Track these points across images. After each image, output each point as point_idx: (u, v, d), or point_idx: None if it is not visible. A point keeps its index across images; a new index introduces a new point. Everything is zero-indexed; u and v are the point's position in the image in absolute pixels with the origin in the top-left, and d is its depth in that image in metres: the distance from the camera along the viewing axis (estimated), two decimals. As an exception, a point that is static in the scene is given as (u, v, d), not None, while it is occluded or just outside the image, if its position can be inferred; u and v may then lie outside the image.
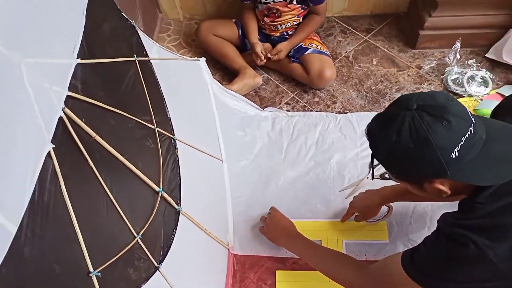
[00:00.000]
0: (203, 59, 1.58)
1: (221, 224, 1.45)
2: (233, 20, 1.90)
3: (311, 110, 1.74)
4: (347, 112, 1.70)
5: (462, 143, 0.77)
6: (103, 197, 0.91)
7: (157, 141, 1.17)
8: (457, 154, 0.77)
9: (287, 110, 1.75)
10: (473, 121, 0.79)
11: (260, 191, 1.55)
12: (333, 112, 1.72)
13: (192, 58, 1.58)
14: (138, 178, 1.04)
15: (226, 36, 1.88)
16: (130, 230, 0.94)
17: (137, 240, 0.95)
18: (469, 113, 0.81)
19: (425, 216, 1.42)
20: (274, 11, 1.75)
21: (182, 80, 1.50)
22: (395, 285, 0.96)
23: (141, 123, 1.12)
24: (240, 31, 1.88)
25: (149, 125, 1.16)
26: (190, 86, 1.54)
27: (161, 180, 1.12)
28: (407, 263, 0.91)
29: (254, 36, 1.81)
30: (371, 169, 0.99)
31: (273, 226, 1.39)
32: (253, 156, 1.64)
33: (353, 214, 1.42)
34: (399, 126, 0.80)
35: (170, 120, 1.29)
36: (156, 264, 0.99)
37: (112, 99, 0.98)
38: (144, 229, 0.98)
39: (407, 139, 0.79)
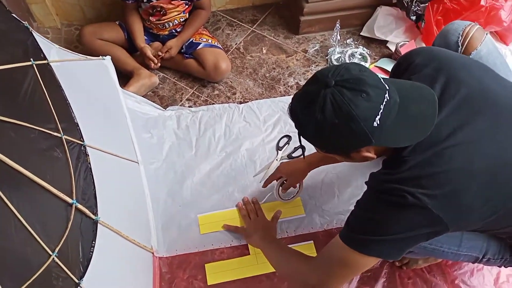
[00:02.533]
0: (109, 57, 1.51)
1: (143, 228, 1.40)
2: (117, 22, 1.83)
3: (213, 103, 1.75)
4: (248, 101, 1.75)
5: (381, 111, 0.82)
6: (10, 217, 0.83)
7: (65, 150, 1.09)
8: (378, 123, 0.82)
9: (189, 106, 1.75)
10: (387, 87, 0.84)
11: (178, 190, 1.53)
12: (234, 102, 1.75)
13: (96, 57, 1.50)
14: (47, 192, 0.96)
15: (112, 39, 1.80)
16: (44, 248, 0.87)
17: (53, 258, 0.88)
18: (382, 79, 0.85)
19: (333, 186, 1.52)
20: (159, 9, 1.73)
21: (88, 81, 1.41)
22: (341, 264, 0.96)
23: (46, 132, 1.03)
24: (125, 33, 1.82)
25: (55, 134, 1.08)
26: (97, 87, 1.47)
27: (74, 191, 1.05)
28: (343, 232, 0.95)
29: (141, 40, 1.76)
30: (302, 148, 1.03)
31: (253, 226, 1.39)
32: (163, 156, 1.61)
33: (278, 178, 1.44)
34: (322, 104, 0.83)
35: (78, 125, 1.20)
36: (76, 281, 0.93)
37: (10, 110, 0.89)
38: (60, 245, 0.91)
39: (331, 116, 0.82)
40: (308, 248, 1.41)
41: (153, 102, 1.74)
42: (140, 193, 1.46)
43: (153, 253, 1.37)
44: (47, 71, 1.12)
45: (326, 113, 0.83)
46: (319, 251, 1.38)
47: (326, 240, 1.38)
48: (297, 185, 1.48)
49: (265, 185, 1.48)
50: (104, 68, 1.48)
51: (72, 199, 1.02)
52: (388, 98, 0.83)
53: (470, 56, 1.19)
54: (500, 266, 1.20)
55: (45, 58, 1.13)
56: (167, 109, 1.72)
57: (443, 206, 0.85)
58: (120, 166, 1.39)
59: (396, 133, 0.86)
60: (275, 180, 1.45)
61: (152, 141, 1.63)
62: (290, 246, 1.38)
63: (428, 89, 0.91)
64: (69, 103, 1.17)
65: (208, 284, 1.34)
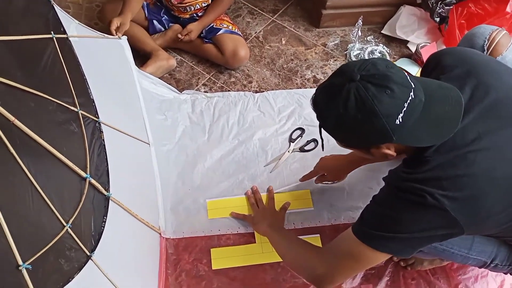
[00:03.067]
0: (125, 37, 1.50)
1: (152, 208, 1.41)
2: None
3: (229, 91, 1.75)
4: (263, 91, 1.75)
5: (405, 109, 0.81)
6: (27, 185, 0.84)
7: (81, 125, 1.10)
8: (401, 120, 0.82)
9: (205, 92, 1.75)
10: (413, 85, 0.83)
11: (188, 173, 1.54)
12: (250, 91, 1.75)
13: (114, 36, 1.50)
14: (63, 165, 0.97)
15: (132, 17, 1.79)
16: (59, 219, 0.88)
17: (67, 229, 0.89)
18: (408, 77, 0.85)
19: (344, 182, 1.52)
20: (180, -8, 1.72)
21: (104, 59, 1.42)
22: (350, 257, 0.96)
23: (63, 105, 1.04)
24: (146, 12, 1.80)
25: (72, 108, 1.08)
26: (112, 66, 1.47)
27: (88, 166, 1.06)
28: (357, 225, 0.94)
29: (125, 14, 1.56)
30: (321, 140, 1.02)
31: (261, 214, 1.39)
32: (176, 139, 1.61)
33: (318, 174, 1.46)
34: (345, 98, 0.83)
35: (93, 102, 1.21)
36: (88, 253, 0.94)
37: (30, 80, 0.90)
38: (74, 217, 0.93)
39: (354, 110, 0.83)
40: (314, 241, 1.37)
41: (169, 84, 1.74)
42: (150, 174, 1.46)
43: (160, 233, 1.38)
44: (66, 45, 1.13)
45: (349, 107, 0.83)
46: (324, 244, 1.39)
47: (333, 234, 1.40)
48: None
49: (303, 180, 1.49)
50: (120, 47, 1.47)
51: (86, 173, 1.03)
52: (413, 96, 0.83)
53: None
54: (506, 273, 1.20)
55: (65, 32, 1.14)
56: (182, 92, 1.72)
57: (462, 209, 0.85)
58: (132, 146, 1.40)
59: (418, 132, 0.86)
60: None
61: (166, 123, 1.63)
62: (297, 238, 1.41)
63: (455, 90, 0.90)
64: (86, 79, 1.17)
65: (213, 268, 1.35)
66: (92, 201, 1.04)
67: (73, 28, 1.21)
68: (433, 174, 0.87)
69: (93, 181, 1.05)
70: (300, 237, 1.39)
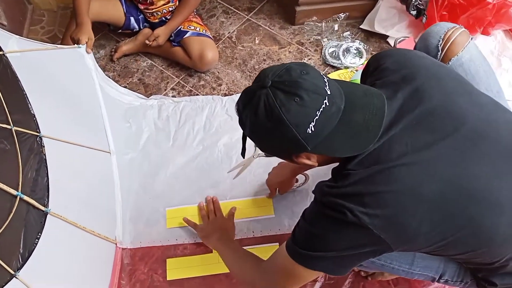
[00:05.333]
0: (84, 45, 1.49)
1: (108, 219, 1.41)
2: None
3: (197, 94, 1.73)
4: (233, 94, 1.71)
5: (317, 117, 0.78)
6: None
7: (14, 142, 1.10)
8: (313, 129, 0.78)
9: (173, 96, 1.73)
10: (329, 93, 0.79)
11: (150, 182, 1.52)
12: (219, 94, 1.72)
13: (70, 46, 1.49)
14: (-13, 184, 0.97)
15: (112, 18, 1.78)
16: (-25, 240, 0.88)
17: (-16, 250, 0.89)
18: (327, 83, 0.80)
19: (307, 187, 1.47)
20: (145, -2, 1.70)
21: (59, 71, 1.41)
22: (285, 274, 0.93)
23: (-9, 124, 1.04)
24: (125, 7, 1.77)
25: (4, 125, 1.08)
26: (69, 76, 1.45)
27: (20, 183, 1.06)
28: (289, 242, 0.91)
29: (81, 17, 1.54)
30: (243, 145, 0.97)
31: (211, 227, 1.36)
32: (140, 147, 1.60)
33: (276, 190, 1.45)
34: (256, 105, 0.80)
35: (34, 116, 1.21)
36: (12, 272, 0.94)
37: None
38: (-5, 237, 0.92)
39: (264, 118, 0.80)
40: (272, 250, 1.34)
41: (138, 89, 1.73)
42: (109, 184, 1.46)
43: (116, 244, 1.38)
44: (1, 62, 1.12)
45: (259, 115, 0.80)
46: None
47: (292, 244, 1.36)
48: (303, 177, 1.47)
49: (270, 197, 1.47)
50: (80, 56, 1.47)
51: (18, 191, 1.03)
52: (327, 104, 0.78)
53: (450, 63, 1.10)
54: (462, 289, 1.13)
55: (0, 49, 1.13)
56: (149, 98, 1.71)
57: (385, 227, 0.79)
58: (88, 157, 1.39)
59: (335, 142, 0.81)
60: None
61: (130, 131, 1.63)
62: (255, 246, 1.38)
63: (380, 98, 0.84)
64: (25, 94, 1.17)
65: (167, 279, 1.34)
66: (24, 218, 1.04)
67: (13, 43, 1.21)
68: (355, 190, 0.81)
69: (26, 198, 1.05)
70: (259, 245, 1.39)
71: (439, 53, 1.12)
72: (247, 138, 0.91)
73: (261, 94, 0.79)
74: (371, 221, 0.78)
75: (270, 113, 0.78)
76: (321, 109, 0.78)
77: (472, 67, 1.10)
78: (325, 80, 0.81)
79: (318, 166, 0.92)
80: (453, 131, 0.84)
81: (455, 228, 0.82)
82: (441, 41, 1.11)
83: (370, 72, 0.99)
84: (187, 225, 1.43)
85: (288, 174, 1.38)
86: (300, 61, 1.80)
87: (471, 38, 1.13)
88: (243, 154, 0.98)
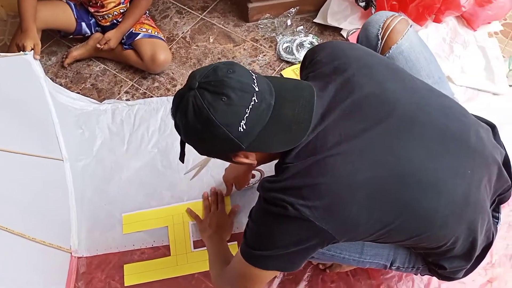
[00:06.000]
0: (31, 52, 1.45)
1: (62, 228, 1.38)
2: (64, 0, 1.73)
3: (151, 96, 1.70)
4: (188, 93, 1.69)
5: (247, 115, 0.77)
6: None
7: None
8: (244, 127, 0.78)
9: (127, 100, 1.70)
10: (257, 89, 0.78)
11: (104, 188, 1.50)
12: (173, 95, 1.69)
13: (15, 53, 1.45)
14: None
15: (63, 25, 1.73)
16: None
17: None
18: (255, 80, 0.80)
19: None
20: (94, 1, 1.67)
21: (6, 79, 1.37)
22: (242, 277, 0.92)
23: None
24: (75, 12, 1.72)
25: None
26: (18, 84, 1.41)
27: (-45, 197, 1.03)
28: (242, 245, 0.90)
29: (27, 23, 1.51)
30: (181, 150, 0.96)
31: (209, 221, 1.34)
32: (94, 153, 1.57)
33: (233, 186, 1.43)
34: (185, 107, 0.79)
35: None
36: None
37: None
38: None
39: (194, 121, 0.79)
40: (232, 249, 1.35)
41: (91, 95, 1.70)
42: (62, 192, 1.43)
43: (71, 253, 1.35)
44: None
45: (189, 117, 0.79)
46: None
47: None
48: (259, 174, 1.45)
49: (227, 194, 1.45)
50: (27, 64, 1.43)
51: (-49, 205, 1.00)
52: (256, 101, 0.78)
53: (390, 51, 1.11)
54: (415, 274, 1.14)
55: None
56: (103, 102, 1.68)
57: (326, 218, 0.79)
58: (38, 165, 1.36)
59: (268, 138, 0.81)
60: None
61: (83, 137, 1.59)
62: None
63: (309, 90, 0.84)
64: (-40, 104, 1.13)
65: (125, 285, 1.32)
66: (-38, 233, 1.01)
67: None
68: (293, 183, 0.81)
69: (-38, 212, 1.02)
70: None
71: (379, 42, 1.13)
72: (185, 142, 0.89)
73: (189, 96, 0.79)
74: (312, 213, 0.78)
75: (199, 114, 0.78)
76: (250, 107, 0.77)
77: (412, 54, 1.11)
78: (254, 77, 0.81)
79: (258, 164, 0.92)
80: (385, 117, 0.84)
81: (393, 215, 0.83)
82: (380, 29, 1.12)
83: (306, 66, 1.00)
84: (144, 229, 1.41)
85: (244, 168, 1.36)
86: (254, 58, 1.79)
87: (410, 26, 1.14)
88: (181, 159, 0.96)
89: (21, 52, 1.45)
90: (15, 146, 1.28)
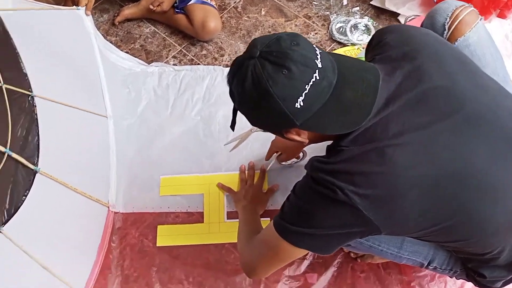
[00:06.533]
0: (83, 8, 1.46)
1: (102, 182, 1.41)
2: None
3: (198, 64, 1.70)
4: (235, 65, 1.67)
5: (306, 91, 0.74)
6: None
7: (4, 99, 1.09)
8: (302, 104, 0.75)
9: (174, 64, 1.70)
10: (320, 66, 0.75)
11: (146, 148, 1.52)
12: (220, 65, 1.69)
13: (69, 7, 1.47)
14: (-26, 139, 0.97)
15: None
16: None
17: (-32, 203, 0.90)
18: (318, 56, 0.76)
19: (303, 163, 1.44)
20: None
21: (59, 32, 1.39)
22: (271, 250, 0.91)
23: (-21, 81, 1.03)
24: None
25: (-7, 82, 1.08)
26: (69, 38, 1.44)
27: (9, 140, 1.06)
28: (277, 217, 0.88)
29: None
30: (233, 118, 0.94)
31: (244, 193, 1.34)
32: (138, 113, 1.58)
33: (276, 152, 1.40)
34: (243, 75, 0.77)
35: (26, 76, 1.20)
36: (-5, 226, 0.95)
37: None
38: (-21, 191, 0.93)
39: (251, 90, 0.77)
40: (263, 224, 1.36)
41: (139, 56, 1.71)
42: (104, 148, 1.46)
43: (108, 207, 1.38)
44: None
45: (246, 86, 0.77)
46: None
47: (283, 219, 1.35)
48: (301, 154, 1.43)
49: (266, 159, 1.42)
50: (78, 19, 1.44)
51: (6, 148, 1.03)
52: (317, 78, 0.75)
53: (456, 43, 1.06)
54: (451, 277, 1.11)
55: (-7, 6, 1.11)
56: (150, 64, 1.68)
57: (374, 208, 0.77)
58: (84, 120, 1.39)
59: (325, 118, 0.78)
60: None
61: (129, 97, 1.61)
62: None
63: (374, 73, 0.81)
64: (18, 53, 1.15)
65: (157, 245, 1.35)
66: (13, 175, 1.04)
67: (7, 0, 1.18)
68: (345, 167, 0.79)
69: (14, 155, 1.05)
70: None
71: (445, 32, 1.07)
72: (238, 111, 0.88)
73: (249, 64, 0.76)
74: (361, 201, 0.76)
75: (257, 84, 0.75)
76: (311, 83, 0.74)
77: (478, 49, 1.06)
78: (317, 52, 0.77)
79: (310, 143, 0.90)
80: (452, 112, 0.80)
81: (446, 214, 0.80)
82: (448, 19, 1.07)
83: (372, 47, 0.95)
84: (180, 193, 1.42)
85: (295, 144, 1.33)
86: (305, 35, 1.75)
87: (480, 19, 1.08)
88: (232, 127, 0.95)
89: (74, 6, 1.46)
90: (62, 98, 1.30)
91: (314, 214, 0.82)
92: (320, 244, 0.85)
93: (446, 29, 1.07)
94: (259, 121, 0.86)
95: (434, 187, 0.77)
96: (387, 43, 0.91)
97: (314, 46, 0.79)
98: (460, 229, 0.83)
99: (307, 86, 0.74)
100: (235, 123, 0.94)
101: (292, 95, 0.75)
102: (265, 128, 0.90)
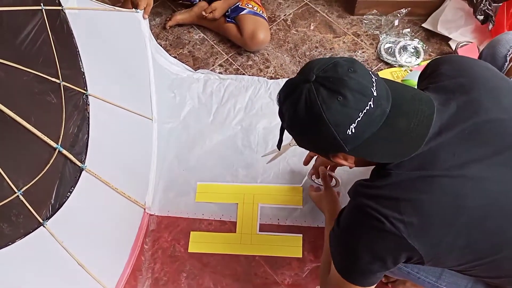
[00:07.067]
0: (141, 11, 1.51)
1: (140, 183, 1.44)
2: None
3: (243, 74, 1.71)
4: (279, 78, 1.68)
5: (359, 119, 0.74)
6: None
7: (61, 96, 1.13)
8: (353, 131, 0.75)
9: (219, 72, 1.72)
10: (375, 94, 0.75)
11: (185, 154, 1.54)
12: (265, 76, 1.70)
13: (128, 9, 1.52)
14: (29, 133, 1.01)
15: None
16: (9, 185, 0.92)
17: (18, 195, 0.93)
18: (374, 83, 0.76)
19: (342, 184, 1.43)
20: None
21: (115, 33, 1.44)
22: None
23: (41, 76, 1.08)
24: None
25: (53, 79, 1.12)
26: (124, 40, 1.48)
27: (61, 137, 1.10)
28: (332, 255, 0.89)
29: None
30: (280, 137, 0.93)
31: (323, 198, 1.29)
32: (181, 118, 1.62)
33: (312, 157, 1.37)
34: (297, 98, 0.77)
35: (83, 74, 1.24)
36: (41, 221, 0.98)
37: (5, 51, 0.93)
38: (29, 185, 0.96)
39: (303, 113, 0.77)
40: (295, 241, 1.36)
41: (186, 61, 1.74)
42: (147, 150, 1.49)
43: (144, 209, 1.41)
44: (59, 17, 1.15)
45: (298, 109, 0.77)
46: (305, 246, 1.34)
47: (316, 237, 1.34)
48: (333, 179, 1.39)
49: (305, 163, 1.38)
50: (136, 21, 1.49)
51: (57, 144, 1.07)
52: (372, 106, 0.74)
53: None
54: (487, 313, 1.07)
55: (59, 4, 1.16)
56: (197, 71, 1.71)
57: (419, 237, 0.76)
58: (130, 121, 1.42)
59: (375, 145, 0.78)
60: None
61: (174, 101, 1.64)
62: (279, 234, 1.38)
63: (430, 105, 0.79)
64: (78, 51, 1.20)
65: (188, 251, 1.36)
66: (61, 171, 1.08)
67: (73, 0, 1.23)
68: (391, 193, 0.78)
69: (64, 151, 1.09)
70: (282, 234, 1.38)
71: (506, 64, 1.05)
72: (285, 130, 0.88)
73: (303, 88, 0.76)
74: (406, 229, 0.75)
75: (311, 109, 0.75)
76: (365, 111, 0.74)
77: None
78: (373, 79, 0.77)
79: (356, 166, 0.89)
80: (505, 148, 0.78)
81: (493, 248, 0.79)
82: (510, 50, 1.04)
83: (427, 75, 0.94)
84: (215, 201, 1.44)
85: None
86: (352, 53, 1.74)
87: (544, 52, 1.05)
88: (279, 146, 0.95)
89: (134, 9, 1.51)
90: (113, 98, 1.34)
91: (358, 244, 0.82)
92: (372, 278, 0.85)
93: (508, 60, 1.04)
94: (307, 143, 0.86)
95: (483, 219, 0.76)
96: (443, 73, 0.90)
97: (370, 72, 0.79)
98: (505, 265, 0.81)
99: (360, 113, 0.74)
100: (281, 142, 0.93)
101: (345, 122, 0.74)
102: (313, 150, 0.90)
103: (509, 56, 1.04)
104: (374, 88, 0.76)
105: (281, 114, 0.84)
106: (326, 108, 0.74)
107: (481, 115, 0.80)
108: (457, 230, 0.76)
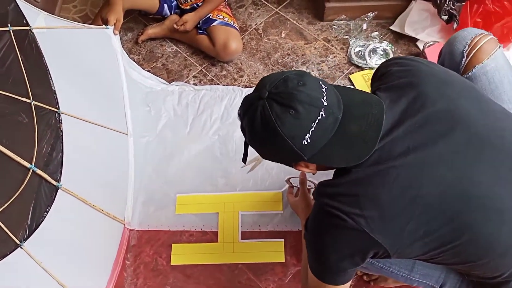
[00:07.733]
0: (111, 27, 1.51)
1: (119, 199, 1.44)
2: None
3: (218, 84, 1.73)
4: (253, 86, 1.69)
5: (312, 129, 0.78)
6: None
7: (33, 116, 1.13)
8: (309, 141, 0.79)
9: (194, 84, 1.73)
10: (325, 104, 0.78)
11: (163, 166, 1.54)
12: (239, 85, 1.71)
13: (98, 26, 1.52)
14: (2, 154, 1.00)
15: (146, 5, 1.80)
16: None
17: (-8, 218, 0.93)
18: (324, 93, 0.79)
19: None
20: (180, -16, 1.71)
21: (87, 50, 1.44)
22: None
23: (11, 96, 1.07)
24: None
25: (23, 99, 1.12)
26: (94, 56, 1.48)
27: (35, 156, 1.09)
28: (308, 259, 0.92)
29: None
30: (245, 151, 0.96)
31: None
32: (157, 131, 1.62)
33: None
34: (253, 115, 0.81)
35: (55, 93, 1.24)
36: (17, 242, 0.97)
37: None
38: (4, 206, 0.96)
39: (260, 129, 0.81)
40: (277, 246, 1.37)
41: (160, 75, 1.75)
42: (124, 165, 1.49)
43: (124, 224, 1.40)
44: (27, 37, 1.15)
45: (255, 125, 0.81)
46: (288, 250, 1.35)
47: (298, 241, 1.35)
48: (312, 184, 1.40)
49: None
50: (107, 37, 1.49)
51: (31, 164, 1.07)
52: (323, 115, 0.78)
53: (474, 70, 1.07)
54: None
55: (27, 24, 1.16)
56: (171, 83, 1.72)
57: (381, 230, 0.80)
58: (105, 137, 1.42)
59: (331, 152, 0.82)
60: None
61: (149, 115, 1.64)
62: (260, 240, 1.38)
63: (379, 107, 0.83)
64: (48, 70, 1.20)
65: (171, 263, 1.36)
66: (36, 191, 1.07)
67: (41, 19, 1.23)
68: (351, 190, 0.83)
69: (39, 171, 1.09)
70: (264, 240, 1.39)
71: (463, 59, 1.09)
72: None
73: (258, 105, 0.80)
74: (367, 223, 0.79)
75: (266, 124, 0.79)
76: (317, 121, 0.78)
77: (496, 76, 1.07)
78: (323, 89, 0.81)
79: (319, 170, 0.92)
80: (456, 135, 0.83)
81: (453, 234, 0.82)
82: (467, 47, 1.08)
83: (378, 77, 0.99)
84: (196, 212, 1.44)
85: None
86: (324, 58, 1.77)
87: (499, 46, 1.09)
88: (244, 160, 0.98)
89: (104, 25, 1.51)
90: (87, 115, 1.34)
91: (326, 243, 0.85)
92: (343, 276, 0.88)
93: (465, 56, 1.08)
94: (269, 156, 0.90)
95: (440, 207, 0.80)
96: (393, 74, 0.94)
97: (320, 82, 0.82)
98: (468, 250, 0.84)
99: (313, 124, 0.78)
100: (247, 155, 0.96)
101: (299, 133, 0.78)
102: (276, 161, 0.92)
103: (465, 52, 1.08)
104: (325, 97, 0.79)
105: (242, 129, 0.88)
106: (280, 122, 0.78)
107: (429, 107, 0.85)
108: (416, 219, 0.79)
